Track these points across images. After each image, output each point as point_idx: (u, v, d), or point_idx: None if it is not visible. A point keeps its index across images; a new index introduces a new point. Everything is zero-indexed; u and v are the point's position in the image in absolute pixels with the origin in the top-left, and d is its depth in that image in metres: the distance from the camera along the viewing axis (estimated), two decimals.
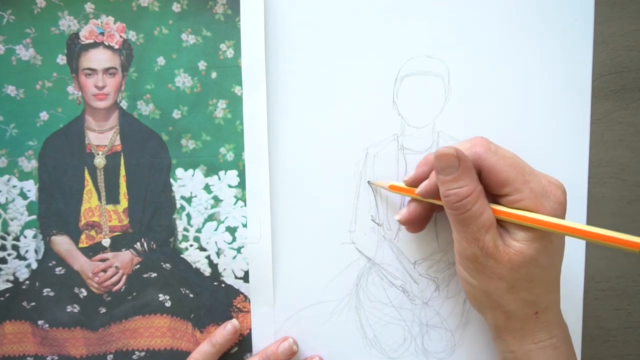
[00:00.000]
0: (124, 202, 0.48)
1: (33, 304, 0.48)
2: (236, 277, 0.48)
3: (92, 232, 0.48)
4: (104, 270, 0.48)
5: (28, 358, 0.49)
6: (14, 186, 0.48)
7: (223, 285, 0.48)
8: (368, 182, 0.46)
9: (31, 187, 0.48)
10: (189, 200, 0.47)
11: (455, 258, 0.41)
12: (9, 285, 0.48)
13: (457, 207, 0.38)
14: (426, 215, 0.44)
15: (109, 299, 0.48)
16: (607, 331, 0.48)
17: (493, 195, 0.39)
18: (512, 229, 0.38)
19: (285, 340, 0.47)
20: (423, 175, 0.42)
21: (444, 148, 0.38)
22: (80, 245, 0.48)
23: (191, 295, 0.48)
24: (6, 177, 0.48)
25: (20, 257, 0.48)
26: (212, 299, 0.48)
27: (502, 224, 0.39)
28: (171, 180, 0.47)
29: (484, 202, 0.38)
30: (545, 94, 0.45)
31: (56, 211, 0.48)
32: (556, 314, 0.40)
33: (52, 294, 0.48)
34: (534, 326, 0.39)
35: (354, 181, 0.46)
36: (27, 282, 0.48)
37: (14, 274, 0.48)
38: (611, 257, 0.48)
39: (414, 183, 0.42)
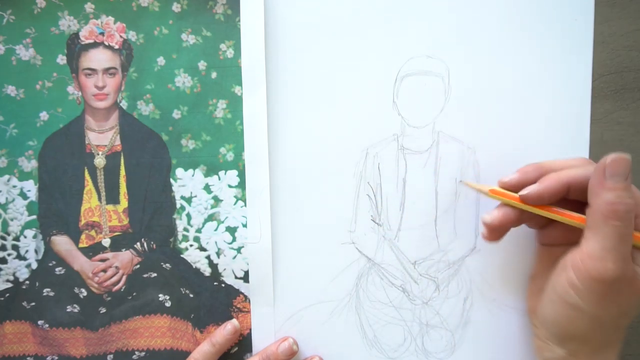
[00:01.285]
0: (124, 202, 0.48)
1: (33, 304, 0.48)
2: (236, 277, 0.48)
3: (92, 232, 0.48)
4: (104, 270, 0.48)
5: (28, 358, 0.49)
6: (14, 186, 0.48)
7: (223, 285, 0.48)
8: (461, 181, 0.43)
9: (31, 187, 0.48)
10: (189, 200, 0.47)
11: (569, 280, 0.37)
12: (9, 285, 0.48)
13: (625, 219, 0.35)
14: (514, 224, 0.40)
15: (109, 299, 0.48)
16: None
17: None
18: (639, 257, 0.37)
19: (285, 340, 0.47)
20: (527, 181, 0.39)
21: (618, 153, 0.36)
22: (80, 245, 0.48)
23: (191, 295, 0.48)
24: (6, 177, 0.48)
25: (20, 257, 0.48)
26: (212, 299, 0.48)
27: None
28: (171, 180, 0.47)
29: None
30: (545, 94, 0.45)
31: (56, 211, 0.48)
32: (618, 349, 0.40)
33: (52, 294, 0.48)
34: (609, 349, 0.39)
35: (354, 181, 0.46)
36: (27, 282, 0.48)
37: (14, 274, 0.48)
38: None
39: (516, 188, 0.39)
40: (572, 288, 0.37)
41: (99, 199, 0.48)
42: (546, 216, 0.39)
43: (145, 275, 0.48)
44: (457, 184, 0.46)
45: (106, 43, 0.46)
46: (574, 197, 0.39)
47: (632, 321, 0.48)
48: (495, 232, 0.41)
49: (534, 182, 0.39)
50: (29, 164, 0.47)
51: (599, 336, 0.38)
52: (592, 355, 0.39)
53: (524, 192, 0.39)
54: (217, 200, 0.47)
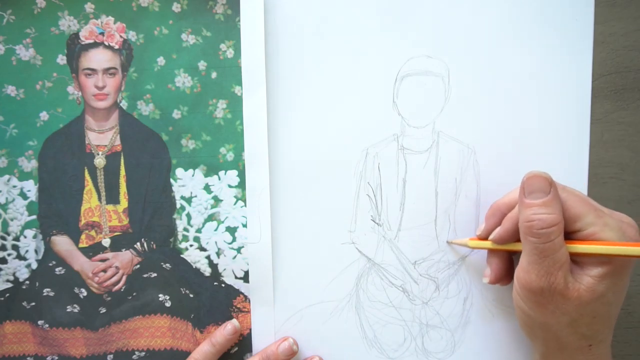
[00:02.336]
0: (124, 202, 0.48)
1: (33, 304, 0.48)
2: (236, 277, 0.48)
3: (92, 232, 0.48)
4: (104, 270, 0.48)
5: (28, 358, 0.49)
6: (14, 186, 0.48)
7: (223, 285, 0.48)
8: (447, 241, 0.46)
9: (31, 187, 0.48)
10: (189, 200, 0.47)
11: (515, 287, 0.40)
12: (9, 285, 0.48)
13: (540, 235, 0.37)
14: (509, 265, 0.43)
15: (109, 299, 0.48)
16: None
17: (565, 233, 0.38)
18: (586, 265, 0.37)
19: (285, 340, 0.47)
20: (494, 226, 0.42)
21: (536, 171, 0.38)
22: (80, 245, 0.48)
23: (191, 295, 0.48)
24: (6, 177, 0.48)
25: (20, 257, 0.48)
26: (212, 299, 0.48)
27: (574, 260, 0.38)
28: (171, 180, 0.47)
29: (563, 238, 0.37)
30: (545, 94, 0.45)
31: (56, 211, 0.48)
32: (607, 348, 0.40)
33: (52, 294, 0.48)
34: (584, 358, 0.39)
35: (354, 181, 0.46)
36: (27, 282, 0.48)
37: (14, 274, 0.48)
38: None
39: (487, 236, 0.43)
40: (518, 295, 0.40)
41: (99, 199, 0.48)
42: (516, 250, 0.41)
43: (145, 275, 0.48)
44: (457, 184, 0.46)
45: (106, 43, 0.46)
46: None
47: (632, 321, 0.48)
48: (501, 280, 0.43)
49: (499, 224, 0.42)
50: (29, 164, 0.47)
51: (558, 342, 0.39)
52: None
53: (491, 237, 0.42)
54: (217, 200, 0.47)
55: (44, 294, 0.48)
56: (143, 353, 0.48)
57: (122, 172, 0.47)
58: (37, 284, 0.48)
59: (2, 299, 0.48)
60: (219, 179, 0.47)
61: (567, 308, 0.37)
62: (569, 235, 0.38)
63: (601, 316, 0.38)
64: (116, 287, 0.48)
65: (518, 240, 0.40)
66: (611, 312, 0.39)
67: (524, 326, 0.41)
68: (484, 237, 0.43)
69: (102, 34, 0.46)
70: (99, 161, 0.47)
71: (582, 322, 0.38)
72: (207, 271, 0.48)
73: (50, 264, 0.48)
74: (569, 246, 0.37)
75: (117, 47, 0.46)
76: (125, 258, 0.48)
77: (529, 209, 0.37)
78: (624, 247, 0.36)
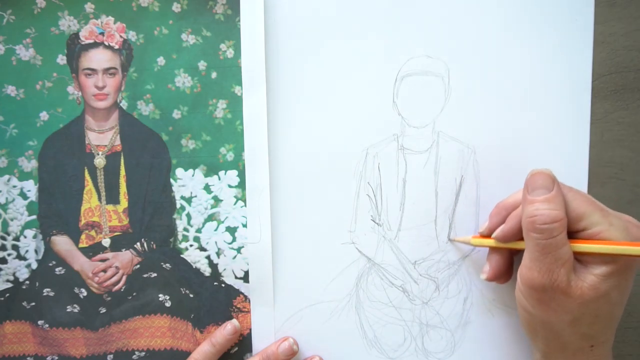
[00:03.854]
0: (124, 202, 0.48)
1: (33, 304, 0.48)
2: (236, 277, 0.48)
3: (92, 232, 0.48)
4: (104, 270, 0.48)
5: (28, 358, 0.49)
6: (14, 186, 0.48)
7: (223, 285, 0.48)
8: (449, 239, 0.46)
9: (31, 187, 0.48)
10: (189, 200, 0.47)
11: (517, 285, 0.40)
12: (9, 285, 0.48)
13: (542, 230, 0.36)
14: (508, 264, 0.43)
15: (109, 299, 0.48)
16: None
17: (569, 232, 0.38)
18: (590, 264, 0.37)
19: (286, 340, 0.47)
20: (497, 224, 0.42)
21: (539, 169, 0.38)
22: (80, 245, 0.48)
23: (191, 295, 0.48)
24: (6, 177, 0.48)
25: (20, 257, 0.48)
26: (212, 299, 0.48)
27: (579, 259, 0.38)
28: (171, 180, 0.47)
29: (566, 235, 0.37)
30: (545, 94, 0.45)
31: (56, 211, 0.48)
32: (609, 350, 0.40)
33: (52, 294, 0.48)
34: (586, 357, 0.39)
35: (354, 181, 0.46)
36: (27, 282, 0.48)
37: (14, 274, 0.48)
38: None
39: (490, 233, 0.43)
40: (521, 293, 0.40)
41: (99, 199, 0.48)
42: (519, 248, 0.41)
43: (145, 275, 0.48)
44: (457, 184, 0.46)
45: (106, 43, 0.46)
46: None
47: (632, 321, 0.48)
48: (499, 277, 0.43)
49: (503, 222, 0.42)
50: (29, 164, 0.47)
51: (559, 341, 0.39)
52: None
53: (494, 234, 0.42)
54: (217, 200, 0.47)
55: (44, 294, 0.48)
56: (143, 353, 0.48)
57: (122, 172, 0.47)
58: (37, 284, 0.48)
59: (2, 299, 0.48)
60: (219, 179, 0.47)
61: (570, 306, 0.37)
62: (574, 234, 0.38)
63: (604, 316, 0.38)
64: (116, 287, 0.48)
65: (521, 238, 0.40)
66: (614, 313, 0.39)
67: (526, 325, 0.41)
68: (487, 235, 0.43)
69: (102, 34, 0.46)
70: (99, 161, 0.47)
71: (584, 321, 0.38)
72: (207, 271, 0.48)
73: (50, 264, 0.48)
74: (574, 245, 0.37)
75: (117, 47, 0.46)
76: (125, 258, 0.48)
77: (532, 205, 0.37)
78: (630, 247, 0.36)
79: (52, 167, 0.47)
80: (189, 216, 0.48)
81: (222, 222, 0.47)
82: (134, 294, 0.48)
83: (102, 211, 0.48)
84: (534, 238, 0.37)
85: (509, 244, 0.42)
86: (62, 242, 0.48)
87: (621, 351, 0.48)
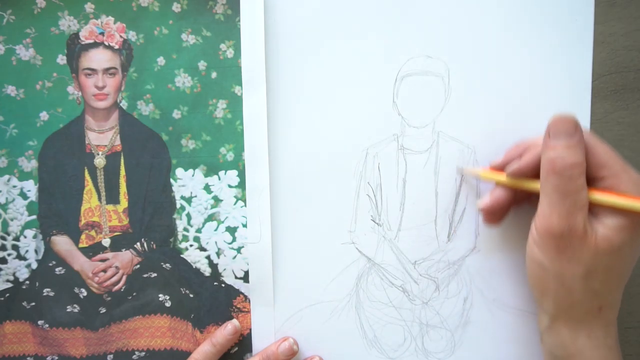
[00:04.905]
0: (124, 202, 0.48)
1: (33, 304, 0.48)
2: (236, 277, 0.48)
3: (92, 232, 0.48)
4: (104, 270, 0.48)
5: (28, 358, 0.49)
6: (14, 186, 0.48)
7: (223, 285, 0.48)
8: (458, 169, 0.45)
9: (31, 187, 0.48)
10: (189, 200, 0.47)
11: (532, 236, 0.39)
12: (9, 285, 0.48)
13: (562, 173, 0.36)
14: (507, 204, 0.43)
15: (109, 299, 0.48)
16: None
17: (587, 180, 0.38)
18: (602, 215, 0.37)
19: (286, 340, 0.47)
20: (511, 160, 0.41)
21: (562, 113, 0.37)
22: (80, 245, 0.48)
23: (191, 295, 0.48)
24: (6, 177, 0.48)
25: (20, 257, 0.48)
26: (212, 299, 0.48)
27: (591, 210, 0.38)
28: (171, 180, 0.47)
29: (585, 181, 0.37)
30: (545, 94, 0.45)
31: (56, 211, 0.48)
32: (615, 316, 0.40)
33: (52, 294, 0.48)
34: (594, 320, 0.39)
35: (354, 181, 0.46)
36: (27, 282, 0.48)
37: (14, 274, 0.48)
38: None
39: (503, 167, 0.42)
40: (535, 245, 0.39)
41: (99, 199, 0.48)
42: (529, 189, 0.40)
43: (145, 275, 0.48)
44: (457, 184, 0.46)
45: (106, 43, 0.46)
46: None
47: (632, 321, 0.48)
48: (492, 214, 0.43)
49: (517, 158, 0.41)
50: (29, 164, 0.47)
51: (569, 299, 0.39)
52: (574, 324, 0.39)
53: (507, 169, 0.41)
54: (217, 200, 0.47)
55: (44, 294, 0.48)
56: (143, 353, 0.48)
57: (122, 172, 0.47)
58: (37, 284, 0.48)
59: (2, 299, 0.48)
60: (219, 179, 0.47)
61: (584, 256, 0.37)
62: (591, 183, 0.38)
63: (615, 271, 0.38)
64: (116, 287, 0.48)
65: (532, 178, 0.39)
66: (624, 270, 0.38)
67: (537, 283, 0.40)
68: (500, 168, 0.42)
69: (102, 34, 0.46)
70: (99, 161, 0.47)
71: (596, 275, 0.37)
72: (207, 271, 0.48)
73: (50, 264, 0.48)
74: (590, 195, 0.37)
75: (117, 47, 0.46)
76: (125, 258, 0.48)
77: (552, 150, 0.37)
78: None
79: (52, 167, 0.47)
80: (189, 216, 0.48)
81: (222, 222, 0.47)
82: (134, 294, 0.48)
83: (102, 211, 0.48)
84: (552, 182, 0.37)
85: (521, 183, 0.41)
86: (62, 242, 0.48)
87: (622, 351, 0.48)
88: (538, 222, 0.38)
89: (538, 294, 0.41)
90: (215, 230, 0.48)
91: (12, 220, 0.48)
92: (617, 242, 0.37)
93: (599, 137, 0.39)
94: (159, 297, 0.48)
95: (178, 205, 0.48)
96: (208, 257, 0.48)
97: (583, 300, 0.38)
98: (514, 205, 0.43)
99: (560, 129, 0.37)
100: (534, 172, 0.39)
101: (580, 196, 0.36)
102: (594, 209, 0.38)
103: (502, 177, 0.42)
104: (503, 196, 0.42)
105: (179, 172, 0.47)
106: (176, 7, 0.46)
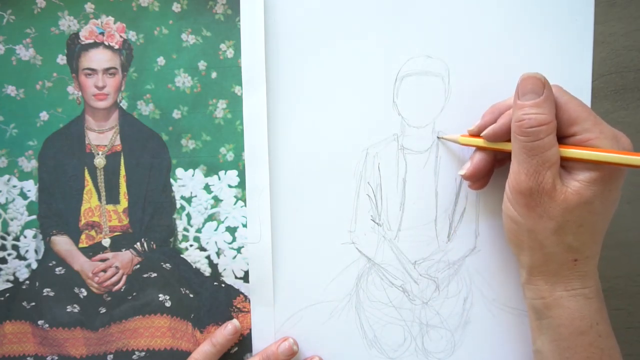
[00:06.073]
0: (124, 202, 0.48)
1: (33, 304, 0.48)
2: (236, 277, 0.48)
3: (92, 232, 0.48)
4: (104, 270, 0.48)
5: (28, 358, 0.49)
6: (14, 186, 0.48)
7: (223, 285, 0.48)
8: (438, 137, 0.45)
9: (31, 187, 0.48)
10: (189, 200, 0.47)
11: (506, 194, 0.41)
12: (9, 285, 0.48)
13: (528, 133, 0.37)
14: (489, 167, 0.43)
15: (109, 299, 0.48)
16: None
17: (559, 137, 0.38)
18: (575, 170, 0.38)
19: (286, 340, 0.47)
20: (489, 124, 0.42)
21: (531, 72, 0.38)
22: (80, 245, 0.48)
23: (191, 295, 0.48)
24: (6, 177, 0.48)
25: (20, 257, 0.48)
26: (212, 299, 0.48)
27: (563, 165, 0.38)
28: (171, 180, 0.47)
29: (555, 138, 0.38)
30: None
31: (56, 211, 0.48)
32: (593, 267, 0.40)
33: (52, 294, 0.48)
34: (570, 273, 0.39)
35: (354, 181, 0.46)
36: (27, 282, 0.48)
37: (14, 274, 0.48)
38: (611, 257, 0.48)
39: (480, 132, 0.42)
40: (509, 201, 0.40)
41: (99, 199, 0.48)
42: (505, 150, 0.41)
43: (145, 275, 0.48)
44: (457, 184, 0.46)
45: (106, 43, 0.46)
46: None
47: (632, 321, 0.48)
48: (476, 179, 0.44)
49: (494, 122, 0.42)
50: (29, 164, 0.47)
51: (543, 253, 0.39)
52: (550, 277, 0.40)
53: (484, 133, 0.42)
54: (217, 200, 0.47)
55: (44, 294, 0.48)
56: (143, 353, 0.48)
57: (122, 172, 0.47)
58: (37, 284, 0.48)
59: (2, 299, 0.48)
60: (219, 179, 0.47)
61: (554, 212, 0.38)
62: (563, 139, 0.39)
63: (587, 226, 0.38)
64: (116, 287, 0.48)
65: (508, 140, 0.40)
66: (598, 224, 0.39)
67: (513, 238, 0.41)
68: (477, 134, 0.43)
69: (102, 34, 0.46)
70: (99, 161, 0.48)
71: (568, 230, 0.38)
72: (207, 271, 0.48)
73: (50, 264, 0.48)
74: (562, 150, 0.38)
75: (117, 47, 0.46)
76: (125, 258, 0.48)
77: (521, 109, 0.38)
78: (615, 154, 0.36)
79: (52, 167, 0.47)
80: (189, 216, 0.48)
81: (222, 222, 0.47)
82: (134, 294, 0.48)
83: (102, 211, 0.48)
84: (520, 140, 0.38)
85: (497, 145, 0.41)
86: (62, 242, 0.48)
87: (622, 351, 0.48)
88: (510, 181, 0.40)
89: (515, 248, 0.42)
90: (215, 230, 0.48)
91: (12, 220, 0.48)
92: (587, 195, 0.37)
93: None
94: (159, 297, 0.48)
95: (178, 205, 0.48)
96: (208, 257, 0.48)
97: (557, 254, 0.39)
98: (497, 166, 0.44)
99: (527, 88, 0.38)
100: (508, 134, 0.40)
101: (548, 154, 0.37)
102: (568, 165, 0.38)
103: (480, 141, 0.42)
104: (483, 160, 0.43)
105: (179, 172, 0.47)
106: (176, 7, 0.46)
